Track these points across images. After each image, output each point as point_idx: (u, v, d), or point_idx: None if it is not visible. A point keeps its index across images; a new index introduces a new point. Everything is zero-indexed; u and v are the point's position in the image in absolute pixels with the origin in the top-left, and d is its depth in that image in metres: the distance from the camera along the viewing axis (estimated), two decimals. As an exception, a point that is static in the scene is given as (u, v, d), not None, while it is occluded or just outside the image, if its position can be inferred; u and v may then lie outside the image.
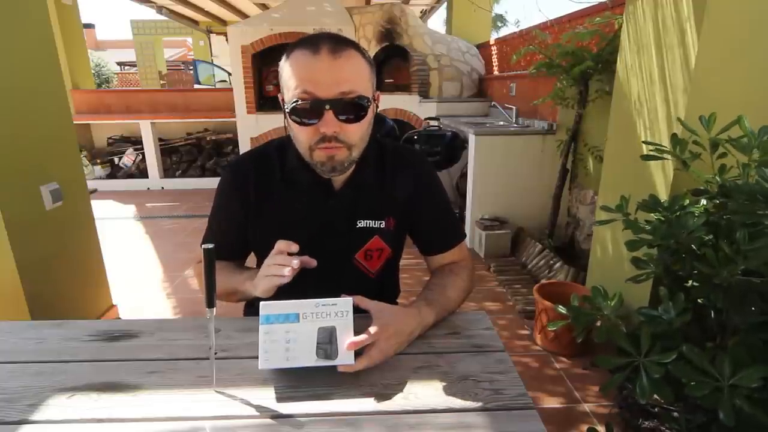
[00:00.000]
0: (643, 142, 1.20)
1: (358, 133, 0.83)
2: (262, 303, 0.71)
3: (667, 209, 1.01)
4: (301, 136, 0.83)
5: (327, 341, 0.69)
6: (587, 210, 2.85)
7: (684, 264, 0.97)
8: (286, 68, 0.82)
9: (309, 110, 0.79)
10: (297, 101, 0.79)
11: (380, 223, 0.95)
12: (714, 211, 1.01)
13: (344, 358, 0.69)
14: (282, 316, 0.71)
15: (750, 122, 1.02)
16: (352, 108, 0.80)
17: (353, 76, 0.80)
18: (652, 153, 1.11)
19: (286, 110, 0.82)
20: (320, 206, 0.93)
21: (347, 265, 0.96)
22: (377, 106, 0.89)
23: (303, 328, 0.70)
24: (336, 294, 0.75)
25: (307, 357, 0.68)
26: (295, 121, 0.82)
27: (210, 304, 0.66)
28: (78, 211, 2.04)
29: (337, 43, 0.79)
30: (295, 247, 0.78)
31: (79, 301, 2.05)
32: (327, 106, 0.78)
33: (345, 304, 0.72)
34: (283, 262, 0.76)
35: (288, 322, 0.70)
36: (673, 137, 1.10)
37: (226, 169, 0.99)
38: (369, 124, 0.86)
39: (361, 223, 0.94)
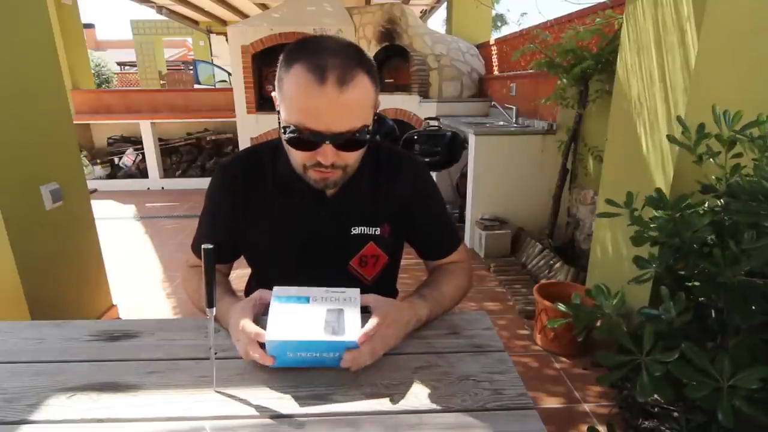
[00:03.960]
0: (667, 136, 1.22)
1: (355, 156, 0.81)
2: (276, 287, 0.76)
3: (672, 207, 1.01)
4: (296, 158, 0.80)
5: (335, 320, 0.72)
6: (587, 210, 2.85)
7: (687, 262, 0.97)
8: (286, 82, 0.75)
9: (307, 141, 0.75)
10: (295, 131, 0.75)
11: (375, 230, 0.92)
12: (718, 211, 1.01)
13: (351, 335, 0.70)
14: (294, 297, 0.75)
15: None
16: (353, 141, 0.77)
17: (358, 109, 0.75)
18: (675, 137, 1.12)
19: (283, 134, 0.78)
20: (313, 213, 0.90)
21: (342, 272, 0.94)
22: (375, 109, 0.85)
23: (313, 308, 0.74)
24: None
25: (315, 331, 0.70)
26: (290, 144, 0.78)
27: (210, 304, 0.66)
28: (78, 211, 2.03)
29: (344, 70, 0.72)
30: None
31: (79, 301, 2.05)
32: (327, 141, 0.75)
33: (353, 292, 0.78)
34: (250, 350, 0.69)
35: (299, 303, 0.75)
36: (700, 127, 1.07)
37: (218, 170, 0.96)
38: (367, 144, 0.83)
39: (356, 230, 0.91)
